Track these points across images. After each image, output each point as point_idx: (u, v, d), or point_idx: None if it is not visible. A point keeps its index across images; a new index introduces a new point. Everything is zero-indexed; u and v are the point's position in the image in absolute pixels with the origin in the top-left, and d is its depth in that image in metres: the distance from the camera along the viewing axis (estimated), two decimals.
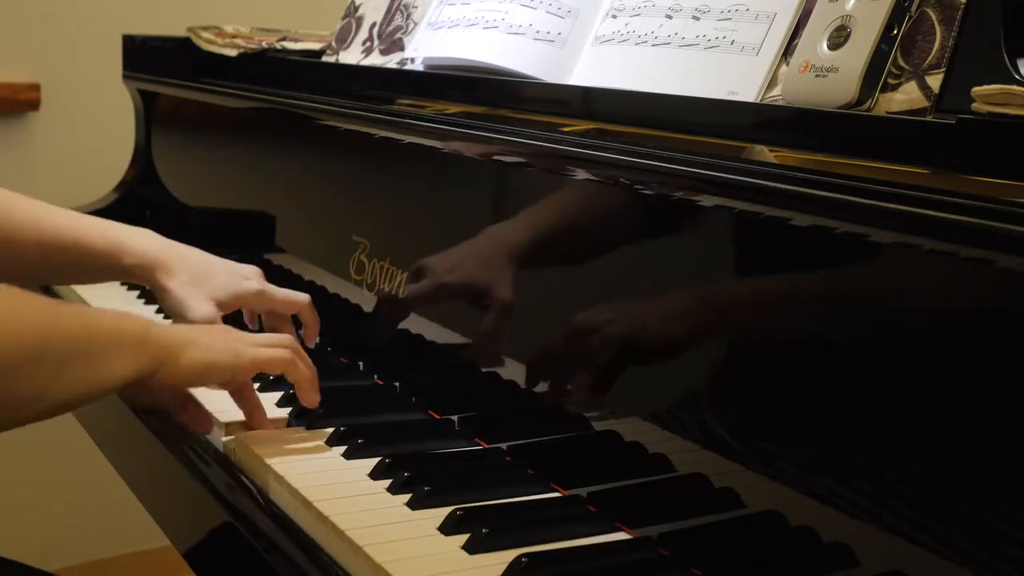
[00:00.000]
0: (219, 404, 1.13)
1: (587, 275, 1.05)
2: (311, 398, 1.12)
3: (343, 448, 1.06)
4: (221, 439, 1.11)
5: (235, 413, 1.12)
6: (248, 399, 1.12)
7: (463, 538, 0.89)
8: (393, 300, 1.27)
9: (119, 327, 1.00)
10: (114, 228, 1.30)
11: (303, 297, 1.31)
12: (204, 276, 1.27)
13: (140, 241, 1.29)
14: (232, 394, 1.11)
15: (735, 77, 0.99)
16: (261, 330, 1.32)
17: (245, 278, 1.29)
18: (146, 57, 1.94)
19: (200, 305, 1.24)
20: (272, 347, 1.10)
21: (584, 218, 1.06)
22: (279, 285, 1.56)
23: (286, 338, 1.15)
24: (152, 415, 1.13)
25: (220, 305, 1.25)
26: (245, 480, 1.04)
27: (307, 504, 0.95)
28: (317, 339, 1.33)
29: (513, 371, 1.09)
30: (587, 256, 1.06)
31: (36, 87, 2.33)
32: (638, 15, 1.11)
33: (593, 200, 1.03)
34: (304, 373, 1.11)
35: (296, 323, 1.33)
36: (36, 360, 0.91)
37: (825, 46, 0.88)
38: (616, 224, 1.02)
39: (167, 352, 1.02)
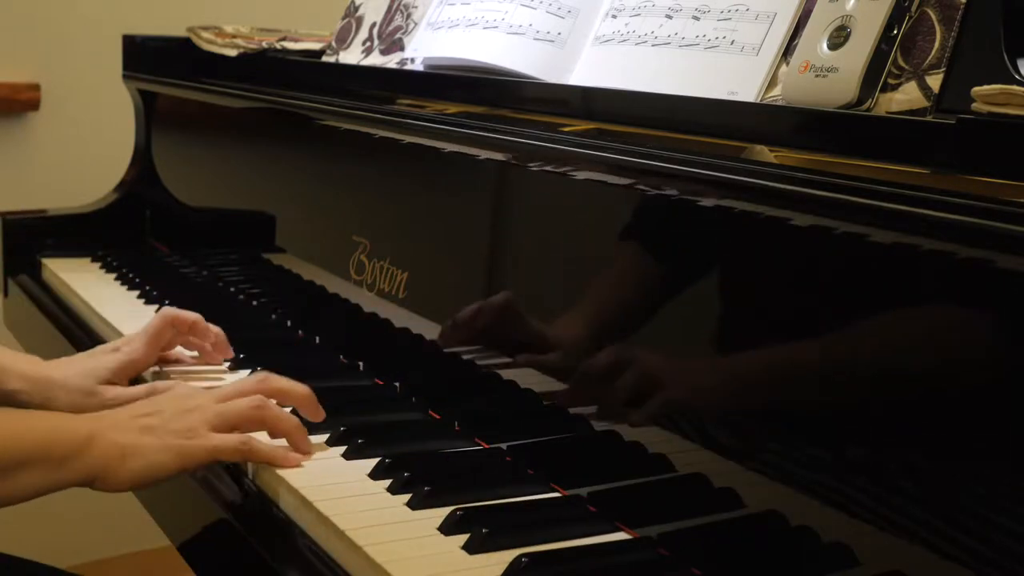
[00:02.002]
0: None
1: (587, 275, 1.05)
2: (314, 416, 1.10)
3: (343, 448, 1.06)
4: None
5: None
6: (277, 461, 1.04)
7: (463, 538, 0.89)
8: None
9: (46, 443, 0.95)
10: None
11: (216, 330, 1.31)
12: (78, 371, 1.24)
13: (20, 363, 1.23)
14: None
15: (735, 77, 0.99)
16: None
17: (111, 350, 1.28)
18: (146, 57, 1.95)
19: (87, 396, 1.21)
20: (236, 414, 1.03)
21: (583, 221, 1.06)
22: (279, 285, 1.57)
23: (250, 382, 1.08)
24: None
25: (109, 381, 1.23)
26: (245, 480, 1.04)
27: (307, 504, 0.95)
28: (230, 353, 1.32)
29: (513, 371, 1.09)
30: (587, 256, 1.05)
31: (36, 87, 2.33)
32: (638, 15, 1.11)
33: (590, 203, 1.03)
34: (282, 418, 1.04)
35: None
36: None
37: (825, 46, 0.88)
38: (616, 225, 1.02)
39: (101, 466, 0.96)
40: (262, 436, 1.05)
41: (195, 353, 1.34)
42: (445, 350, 1.18)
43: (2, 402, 1.23)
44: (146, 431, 0.99)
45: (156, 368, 1.31)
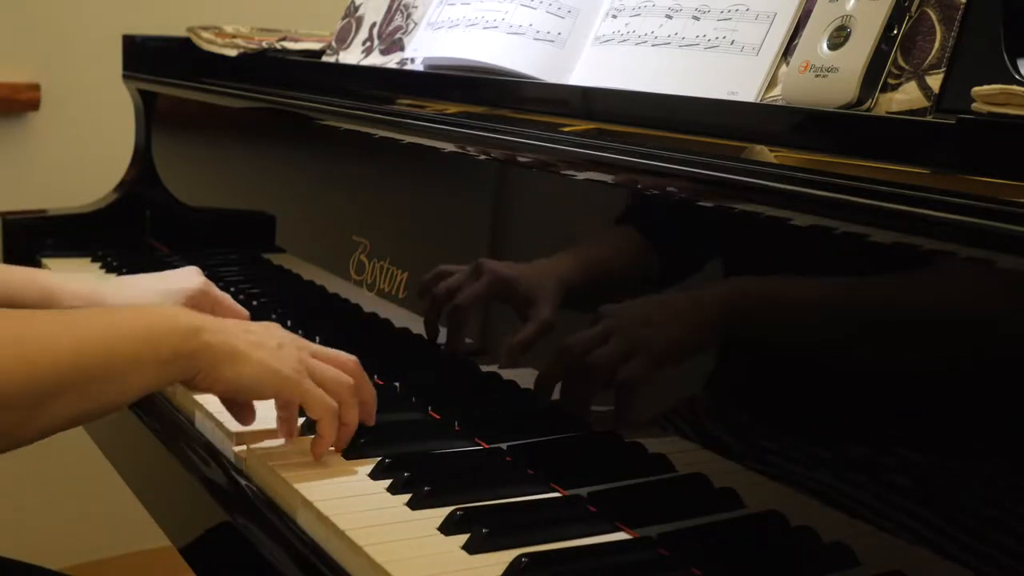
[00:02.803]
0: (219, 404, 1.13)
1: (589, 279, 1.05)
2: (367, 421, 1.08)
3: (344, 450, 1.06)
4: (222, 440, 1.11)
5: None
6: (286, 420, 1.05)
7: (463, 538, 0.89)
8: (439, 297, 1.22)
9: (148, 339, 0.93)
10: (42, 275, 1.27)
11: (245, 312, 1.31)
12: (142, 294, 1.26)
13: (70, 283, 1.25)
14: (276, 407, 1.06)
15: (735, 77, 0.99)
16: None
17: (181, 280, 1.29)
18: (146, 57, 1.95)
19: None
20: (331, 379, 1.03)
21: (583, 221, 1.06)
22: (279, 285, 1.57)
23: (350, 361, 1.07)
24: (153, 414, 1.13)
25: None
26: (245, 480, 1.04)
27: (307, 504, 0.95)
28: None
29: (513, 371, 1.09)
30: (589, 262, 1.05)
31: (36, 87, 2.33)
32: (638, 15, 1.11)
33: (591, 203, 1.03)
34: (352, 414, 1.04)
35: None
36: (53, 395, 0.87)
37: (825, 46, 0.88)
38: (615, 226, 1.02)
39: (208, 363, 0.96)
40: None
41: None
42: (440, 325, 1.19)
43: None
44: (256, 347, 0.99)
45: None
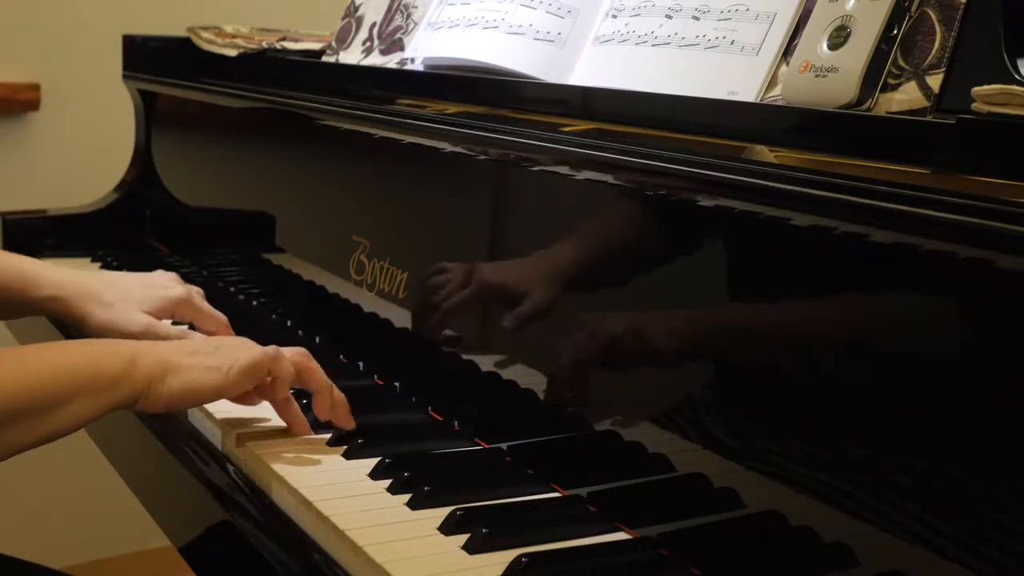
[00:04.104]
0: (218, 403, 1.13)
1: (587, 275, 1.05)
2: (346, 424, 1.09)
3: (343, 448, 1.06)
4: (221, 439, 1.11)
5: (234, 413, 1.12)
6: (285, 410, 1.09)
7: (463, 538, 0.89)
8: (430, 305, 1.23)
9: (93, 367, 0.97)
10: (26, 261, 1.28)
11: (224, 318, 1.33)
12: (126, 293, 1.27)
13: (54, 273, 1.27)
14: (272, 404, 1.09)
15: (735, 77, 0.99)
16: None
17: (164, 287, 1.31)
18: (146, 57, 1.95)
19: (134, 318, 1.24)
20: (276, 350, 1.07)
21: (583, 221, 1.06)
22: (279, 285, 1.57)
23: (296, 351, 1.10)
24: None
25: (150, 315, 1.26)
26: (245, 480, 1.04)
27: (307, 504, 0.95)
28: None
29: (513, 371, 1.09)
30: (587, 257, 1.05)
31: (36, 87, 2.33)
32: (638, 15, 1.11)
33: (591, 203, 1.03)
34: (320, 375, 1.08)
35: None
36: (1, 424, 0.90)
37: (825, 46, 0.88)
38: (615, 225, 1.02)
39: (144, 384, 0.98)
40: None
41: None
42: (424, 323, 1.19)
43: (32, 311, 1.27)
44: (189, 355, 1.02)
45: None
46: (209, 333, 1.32)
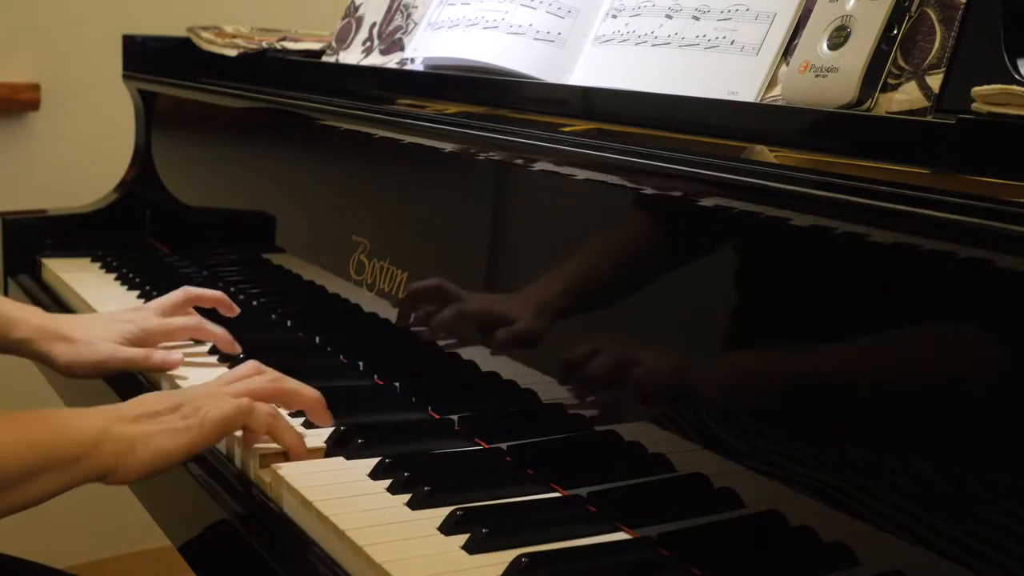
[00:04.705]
0: None
1: (586, 275, 1.05)
2: (323, 421, 1.11)
3: (343, 448, 1.06)
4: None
5: None
6: (279, 436, 1.05)
7: (463, 538, 0.89)
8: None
9: (59, 444, 0.94)
10: (5, 304, 1.31)
11: (180, 321, 1.34)
12: (88, 330, 1.29)
13: (29, 315, 1.30)
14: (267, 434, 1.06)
15: (735, 77, 0.99)
16: None
17: (126, 321, 1.32)
18: (146, 57, 1.95)
19: (97, 349, 1.27)
20: (245, 387, 1.05)
21: (583, 221, 1.06)
22: (279, 285, 1.57)
23: (258, 379, 1.09)
24: None
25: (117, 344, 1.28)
26: (244, 481, 1.04)
27: (307, 504, 0.95)
28: (238, 347, 1.34)
29: (513, 371, 1.09)
30: (587, 257, 1.05)
31: (36, 87, 2.33)
32: (638, 15, 1.11)
33: (591, 203, 1.03)
34: (302, 391, 1.08)
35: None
36: None
37: (825, 46, 0.88)
38: (615, 225, 1.02)
39: (112, 460, 0.95)
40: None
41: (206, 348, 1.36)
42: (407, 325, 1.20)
43: (11, 351, 1.29)
44: (153, 418, 0.99)
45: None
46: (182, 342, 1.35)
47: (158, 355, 1.28)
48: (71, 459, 0.94)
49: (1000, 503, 0.70)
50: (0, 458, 0.90)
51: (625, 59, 1.10)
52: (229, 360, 1.32)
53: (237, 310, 1.41)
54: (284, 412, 1.09)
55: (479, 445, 1.10)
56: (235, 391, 1.05)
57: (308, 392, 1.11)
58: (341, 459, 1.05)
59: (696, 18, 1.05)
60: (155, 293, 1.60)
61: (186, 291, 1.39)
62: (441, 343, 1.20)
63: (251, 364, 1.12)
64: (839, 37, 0.87)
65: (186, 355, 1.31)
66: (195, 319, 1.36)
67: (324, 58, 1.59)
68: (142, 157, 1.99)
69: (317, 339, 1.42)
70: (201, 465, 1.07)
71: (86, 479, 0.96)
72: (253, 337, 1.41)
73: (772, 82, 0.97)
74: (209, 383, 1.10)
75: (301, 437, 1.06)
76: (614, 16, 1.15)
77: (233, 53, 1.66)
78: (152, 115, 1.98)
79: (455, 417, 1.15)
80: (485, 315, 1.13)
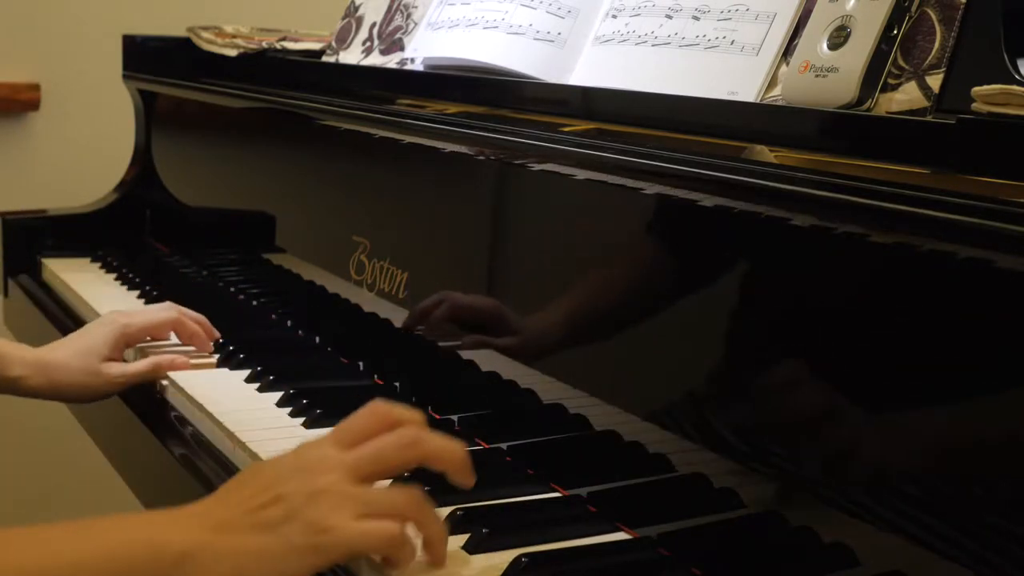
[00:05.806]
0: (221, 405, 1.12)
1: (586, 275, 1.05)
2: (467, 483, 0.87)
3: None
4: (219, 439, 1.11)
5: (237, 413, 1.12)
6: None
7: (463, 538, 0.89)
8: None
9: (151, 554, 0.78)
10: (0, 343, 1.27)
11: (163, 315, 1.33)
12: (68, 354, 1.27)
13: (23, 353, 1.26)
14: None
15: (735, 77, 0.99)
16: None
17: (103, 324, 1.30)
18: (146, 57, 1.95)
19: (103, 373, 1.25)
20: (381, 500, 0.82)
21: (583, 221, 1.06)
22: (279, 285, 1.57)
23: (390, 442, 0.84)
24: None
25: (108, 358, 1.27)
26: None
27: None
28: (216, 337, 1.34)
29: (513, 371, 1.09)
30: (587, 257, 1.05)
31: (36, 87, 2.33)
32: (638, 15, 1.11)
33: (591, 203, 1.03)
34: (446, 450, 0.85)
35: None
36: None
37: (825, 46, 0.88)
38: (615, 225, 1.02)
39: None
40: None
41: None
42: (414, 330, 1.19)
43: (5, 390, 1.26)
44: (266, 529, 0.78)
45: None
46: (163, 338, 1.34)
47: (164, 361, 1.27)
48: (166, 569, 0.77)
49: (1000, 503, 0.70)
50: (92, 567, 0.76)
51: (625, 59, 1.10)
52: (229, 360, 1.32)
53: (217, 335, 1.36)
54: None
55: (479, 445, 1.10)
56: (369, 503, 0.81)
57: (452, 451, 0.86)
58: None
59: (696, 18, 1.05)
60: (155, 293, 1.60)
61: (171, 313, 1.34)
62: (441, 344, 1.20)
63: (375, 411, 0.87)
64: (839, 37, 0.87)
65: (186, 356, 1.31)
66: (174, 311, 1.34)
67: (324, 58, 1.59)
68: (142, 157, 1.99)
69: (317, 339, 1.42)
70: (200, 461, 1.07)
71: None
72: (253, 337, 1.41)
73: (772, 82, 0.97)
74: (328, 455, 0.83)
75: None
76: (614, 16, 1.15)
77: (233, 53, 1.66)
78: (152, 115, 1.98)
79: (455, 417, 1.15)
80: (499, 328, 1.12)
